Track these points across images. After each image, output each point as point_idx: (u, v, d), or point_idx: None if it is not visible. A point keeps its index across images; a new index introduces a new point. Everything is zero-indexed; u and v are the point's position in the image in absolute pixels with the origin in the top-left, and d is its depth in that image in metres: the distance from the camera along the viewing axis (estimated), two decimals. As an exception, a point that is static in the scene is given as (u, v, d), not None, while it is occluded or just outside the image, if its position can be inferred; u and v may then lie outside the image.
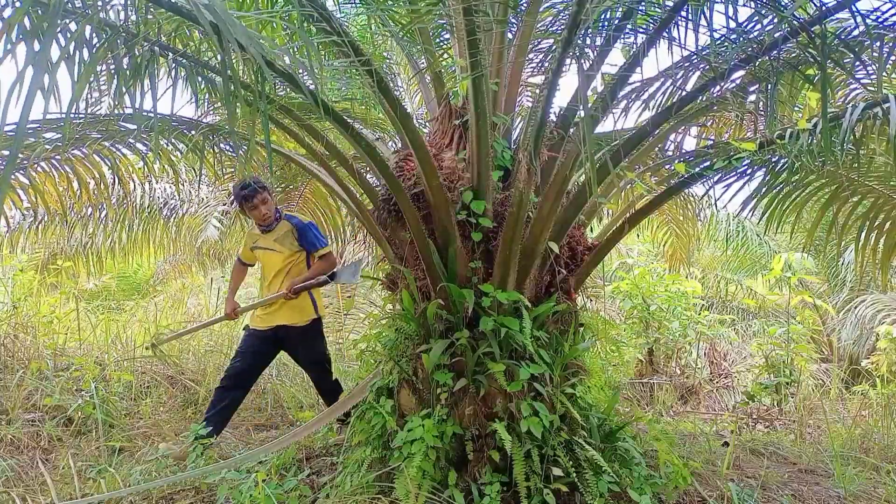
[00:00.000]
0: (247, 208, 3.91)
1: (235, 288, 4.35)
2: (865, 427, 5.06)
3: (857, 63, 3.14)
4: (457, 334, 2.86)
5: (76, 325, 5.95)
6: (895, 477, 3.72)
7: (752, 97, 3.25)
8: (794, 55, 2.89)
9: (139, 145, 4.02)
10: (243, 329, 4.14)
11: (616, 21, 2.81)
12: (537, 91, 4.04)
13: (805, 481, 3.64)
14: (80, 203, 4.47)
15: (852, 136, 2.71)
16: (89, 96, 4.16)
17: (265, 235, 4.01)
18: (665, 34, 2.67)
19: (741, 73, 2.93)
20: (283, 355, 6.18)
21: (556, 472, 2.71)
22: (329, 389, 4.13)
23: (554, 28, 4.18)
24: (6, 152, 3.55)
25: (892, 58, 2.85)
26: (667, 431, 3.44)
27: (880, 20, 2.68)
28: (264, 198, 3.91)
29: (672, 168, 3.68)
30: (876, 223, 3.63)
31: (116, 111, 3.74)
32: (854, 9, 2.44)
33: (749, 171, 3.40)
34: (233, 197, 4.02)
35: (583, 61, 3.08)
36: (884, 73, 2.95)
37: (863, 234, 3.65)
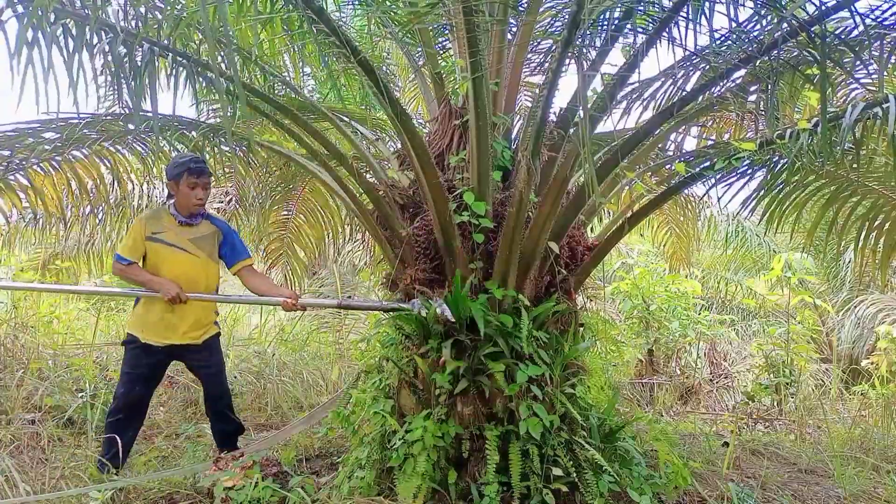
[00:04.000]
0: (189, 183, 3.18)
1: (151, 276, 3.21)
2: (865, 427, 5.06)
3: (857, 63, 3.14)
4: (458, 336, 2.86)
5: (76, 325, 5.95)
6: (895, 477, 3.72)
7: (753, 97, 3.25)
8: (794, 55, 2.89)
9: (138, 146, 4.02)
10: (125, 343, 3.35)
11: (616, 21, 2.80)
12: (537, 91, 4.04)
13: (805, 481, 3.64)
14: (78, 204, 4.47)
15: (852, 136, 2.71)
16: (94, 98, 4.17)
17: (180, 229, 3.26)
18: (665, 34, 2.67)
19: (741, 73, 2.93)
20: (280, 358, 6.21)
21: (556, 472, 2.71)
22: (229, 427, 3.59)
23: (554, 28, 4.18)
24: (6, 152, 3.56)
25: (893, 58, 2.85)
26: (667, 431, 3.45)
27: (880, 20, 2.68)
28: (209, 183, 3.29)
29: (672, 168, 3.68)
30: (875, 223, 3.63)
31: (117, 111, 3.75)
32: (854, 9, 2.44)
33: (749, 172, 3.40)
34: (174, 165, 3.22)
35: (583, 61, 3.08)
36: (884, 73, 2.95)
37: (862, 235, 3.65)
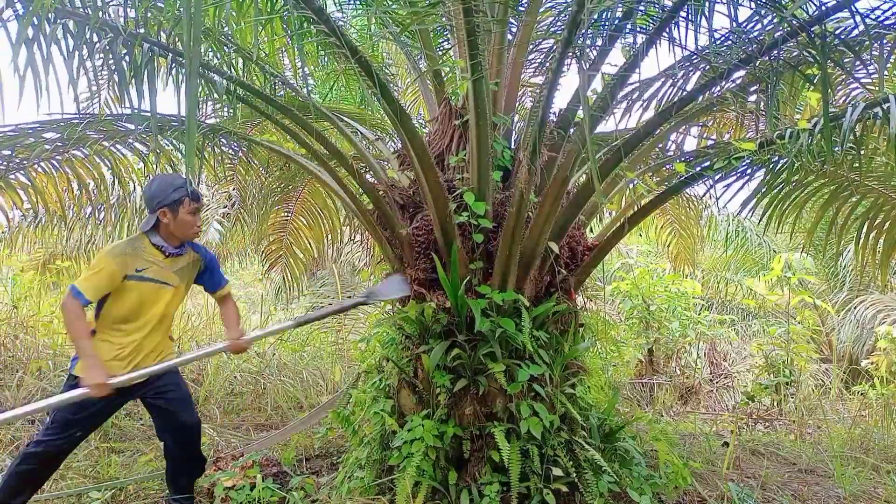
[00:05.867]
0: (191, 209, 2.79)
1: (90, 346, 2.62)
2: (865, 427, 5.06)
3: (857, 63, 3.14)
4: (459, 337, 2.86)
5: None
6: (895, 477, 3.72)
7: (753, 97, 3.25)
8: (794, 55, 2.89)
9: (139, 145, 4.02)
10: (70, 380, 2.69)
11: (616, 21, 2.81)
12: (537, 91, 4.04)
13: (805, 481, 3.64)
14: (79, 204, 4.47)
15: (852, 136, 2.71)
16: (94, 97, 4.18)
17: (165, 262, 2.79)
18: (665, 34, 2.67)
19: (741, 73, 2.93)
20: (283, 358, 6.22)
21: (556, 472, 2.71)
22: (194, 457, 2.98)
23: (554, 28, 4.19)
24: (7, 152, 3.56)
25: (893, 58, 2.85)
26: (667, 431, 3.45)
27: (880, 20, 2.68)
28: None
29: (672, 168, 3.68)
30: (875, 223, 3.63)
31: (117, 111, 3.74)
32: (854, 9, 2.44)
33: (749, 172, 3.40)
34: (172, 188, 2.75)
35: (583, 61, 3.08)
36: (884, 73, 2.95)
37: (862, 234, 3.65)
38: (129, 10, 2.86)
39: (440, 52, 4.28)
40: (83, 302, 2.60)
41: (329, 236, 5.94)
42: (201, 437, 2.98)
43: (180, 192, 2.73)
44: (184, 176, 2.92)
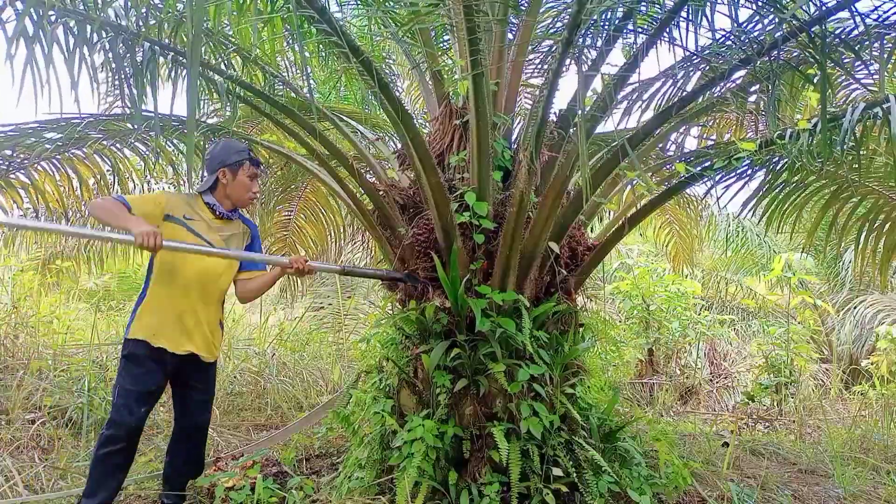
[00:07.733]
0: (250, 173, 2.84)
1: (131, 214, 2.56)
2: (865, 427, 5.07)
3: (858, 63, 3.14)
4: (459, 337, 2.86)
5: (76, 324, 5.95)
6: (895, 477, 3.72)
7: (753, 97, 3.25)
8: (794, 55, 2.89)
9: (139, 145, 4.03)
10: (125, 355, 2.71)
11: (616, 21, 2.81)
12: (538, 91, 4.05)
13: (805, 481, 3.64)
14: (79, 202, 4.47)
15: (852, 137, 2.71)
16: (95, 97, 4.17)
17: (214, 222, 2.84)
18: (665, 34, 2.67)
19: (742, 73, 2.93)
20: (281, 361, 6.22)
21: (556, 472, 2.71)
22: (198, 458, 3.03)
23: (554, 28, 4.18)
24: (8, 152, 3.56)
25: (893, 58, 2.85)
26: (667, 431, 3.45)
27: (880, 20, 2.68)
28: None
29: (672, 168, 3.68)
30: (876, 224, 3.63)
31: (118, 111, 3.74)
32: (854, 9, 2.44)
33: (749, 172, 3.40)
34: (232, 150, 2.85)
35: (583, 62, 3.08)
36: (884, 73, 2.95)
37: (862, 235, 3.65)
38: (130, 10, 2.86)
39: (441, 52, 4.28)
40: (120, 200, 2.61)
41: (332, 234, 5.94)
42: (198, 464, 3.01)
43: (240, 155, 2.85)
44: (244, 143, 3.01)
